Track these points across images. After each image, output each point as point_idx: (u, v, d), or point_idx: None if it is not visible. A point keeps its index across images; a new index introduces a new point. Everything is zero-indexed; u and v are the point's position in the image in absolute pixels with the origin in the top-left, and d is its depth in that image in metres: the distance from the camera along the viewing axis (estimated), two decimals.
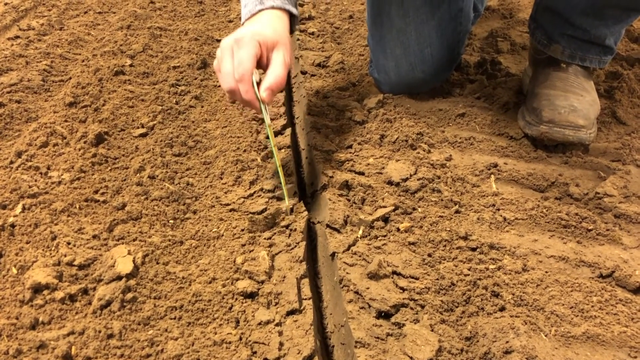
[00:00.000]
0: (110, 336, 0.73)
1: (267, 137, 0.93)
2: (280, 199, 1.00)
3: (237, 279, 0.83)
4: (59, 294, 0.78)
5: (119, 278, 0.81)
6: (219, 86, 1.48)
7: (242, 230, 0.94)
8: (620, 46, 1.46)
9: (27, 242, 0.89)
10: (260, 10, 0.95)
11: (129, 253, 0.85)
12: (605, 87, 1.32)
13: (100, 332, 0.72)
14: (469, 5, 1.24)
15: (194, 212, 1.01)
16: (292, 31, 1.01)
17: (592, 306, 0.78)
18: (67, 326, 0.74)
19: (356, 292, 0.80)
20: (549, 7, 1.13)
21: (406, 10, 1.19)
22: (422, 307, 0.77)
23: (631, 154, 1.10)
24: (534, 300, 0.79)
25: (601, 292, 0.81)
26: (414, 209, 0.96)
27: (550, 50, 1.15)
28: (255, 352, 0.72)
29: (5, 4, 2.04)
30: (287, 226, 0.95)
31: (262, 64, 0.92)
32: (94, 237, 0.91)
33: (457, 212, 0.96)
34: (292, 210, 0.95)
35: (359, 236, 0.91)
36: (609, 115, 1.23)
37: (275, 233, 0.94)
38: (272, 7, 0.95)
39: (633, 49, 1.50)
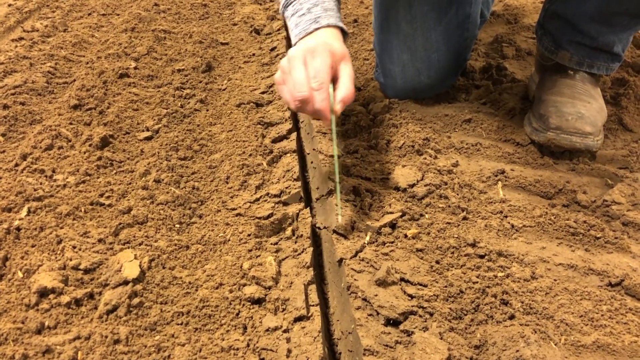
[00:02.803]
0: (117, 341, 0.72)
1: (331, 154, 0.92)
2: (286, 203, 1.00)
3: (244, 285, 0.83)
4: (64, 299, 0.78)
5: (126, 283, 0.80)
6: (225, 89, 1.47)
7: (249, 235, 0.93)
8: (627, 53, 1.45)
9: (33, 246, 0.88)
10: (316, 29, 0.94)
11: (136, 257, 0.85)
12: (612, 93, 1.31)
13: (106, 337, 0.72)
14: (477, 11, 1.24)
15: (200, 217, 1.00)
16: None
17: (602, 315, 0.78)
18: (73, 331, 0.74)
19: (364, 299, 0.79)
20: (556, 13, 1.13)
21: (414, 15, 1.18)
22: (431, 314, 0.77)
23: (638, 162, 1.09)
24: (543, 309, 0.78)
25: (611, 301, 0.80)
26: (421, 215, 0.96)
27: (557, 56, 1.14)
28: (263, 359, 0.71)
29: (9, 5, 2.04)
30: (293, 232, 0.94)
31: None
32: (100, 241, 0.90)
33: (464, 218, 0.95)
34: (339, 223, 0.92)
35: (366, 242, 0.90)
36: (615, 122, 1.23)
37: (281, 238, 0.94)
38: (328, 25, 0.94)
39: (639, 56, 1.49)
